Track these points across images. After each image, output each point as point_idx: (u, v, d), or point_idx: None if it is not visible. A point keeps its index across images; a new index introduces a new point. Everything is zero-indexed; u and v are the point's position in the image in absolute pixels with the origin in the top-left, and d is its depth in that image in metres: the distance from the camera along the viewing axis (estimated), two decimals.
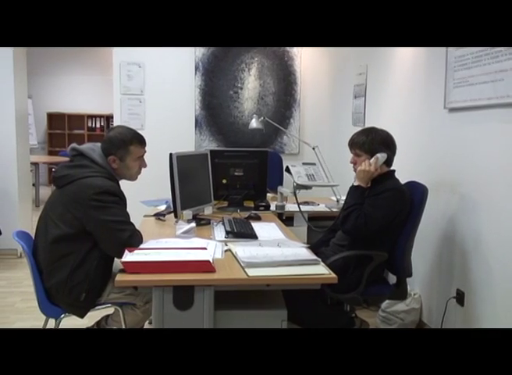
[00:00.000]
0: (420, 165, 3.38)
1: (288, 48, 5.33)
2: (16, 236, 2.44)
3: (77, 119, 9.77)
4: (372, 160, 2.68)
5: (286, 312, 2.12)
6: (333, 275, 2.05)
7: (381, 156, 2.69)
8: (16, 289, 4.17)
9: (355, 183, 2.73)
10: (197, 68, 5.24)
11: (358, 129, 2.91)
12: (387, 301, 3.36)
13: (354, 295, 2.60)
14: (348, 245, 2.69)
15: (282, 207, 3.48)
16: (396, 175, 2.78)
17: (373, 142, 2.71)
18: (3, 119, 4.89)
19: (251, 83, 5.35)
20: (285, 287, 2.16)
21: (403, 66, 3.72)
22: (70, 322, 2.51)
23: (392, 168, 2.79)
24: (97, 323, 2.75)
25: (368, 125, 3.97)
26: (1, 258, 4.82)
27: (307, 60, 5.40)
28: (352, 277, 2.60)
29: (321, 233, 3.08)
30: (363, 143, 2.73)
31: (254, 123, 4.27)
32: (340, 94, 5.14)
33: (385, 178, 2.71)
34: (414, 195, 2.68)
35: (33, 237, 2.50)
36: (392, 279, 2.91)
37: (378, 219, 2.57)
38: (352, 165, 2.83)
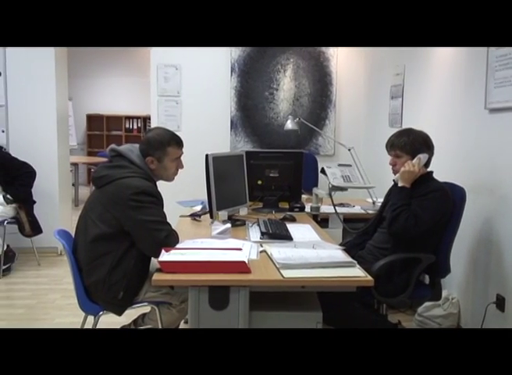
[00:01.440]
0: (457, 166, 3.32)
1: (324, 49, 5.31)
2: (57, 234, 2.50)
3: (115, 121, 9.95)
4: (415, 161, 2.66)
5: (321, 314, 2.11)
6: (369, 278, 2.03)
7: (423, 157, 2.67)
8: (57, 286, 4.28)
9: (399, 184, 2.70)
10: (232, 69, 5.27)
11: (395, 130, 2.88)
12: (423, 305, 3.31)
13: (403, 299, 2.57)
14: (391, 248, 2.66)
15: (317, 208, 3.46)
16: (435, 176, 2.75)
17: (414, 143, 2.69)
18: (45, 121, 5.03)
19: (287, 84, 5.35)
20: (320, 289, 2.15)
21: (443, 66, 3.66)
22: (108, 319, 2.56)
23: (428, 169, 2.75)
24: (134, 321, 2.79)
25: (405, 126, 3.92)
26: (43, 256, 4.94)
27: (343, 61, 5.37)
28: (399, 280, 2.58)
29: (353, 236, 3.06)
30: (404, 144, 2.70)
31: (290, 125, 4.27)
32: (376, 94, 5.09)
33: (426, 179, 2.69)
34: (454, 197, 2.65)
35: (73, 236, 2.56)
36: (426, 280, 2.86)
37: (428, 220, 2.55)
38: (391, 166, 2.80)
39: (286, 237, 2.63)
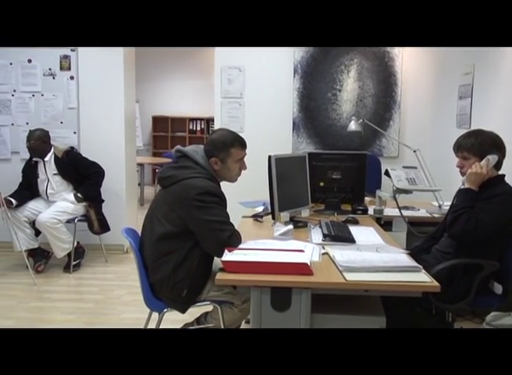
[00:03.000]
0: None
1: (389, 49, 5.22)
2: (125, 232, 2.58)
3: (179, 122, 10.16)
4: (483, 162, 2.55)
5: (384, 318, 2.08)
6: (436, 283, 1.98)
7: (492, 158, 2.55)
8: (123, 282, 4.42)
9: (465, 186, 2.61)
10: (295, 71, 5.27)
11: (463, 131, 2.78)
12: (492, 314, 3.18)
13: (462, 306, 2.48)
14: (453, 253, 2.58)
15: (381, 211, 3.40)
16: (506, 180, 2.63)
17: (483, 144, 2.58)
18: (114, 123, 5.21)
19: (350, 85, 5.29)
20: (384, 294, 2.12)
21: None
22: (172, 316, 2.62)
23: (500, 173, 2.64)
24: (197, 319, 2.84)
25: (474, 127, 3.79)
26: (110, 253, 5.12)
27: (408, 61, 5.25)
28: (459, 286, 2.49)
29: (420, 240, 2.98)
30: (472, 145, 2.60)
31: (353, 126, 4.22)
32: (443, 95, 4.95)
33: (495, 182, 2.57)
34: None
35: (140, 234, 2.64)
36: (497, 288, 2.75)
37: (489, 225, 2.44)
38: (458, 169, 2.71)
39: (349, 239, 2.60)
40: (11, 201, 4.46)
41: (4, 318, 3.62)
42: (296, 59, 5.26)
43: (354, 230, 2.81)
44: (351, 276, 2.02)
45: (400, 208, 3.10)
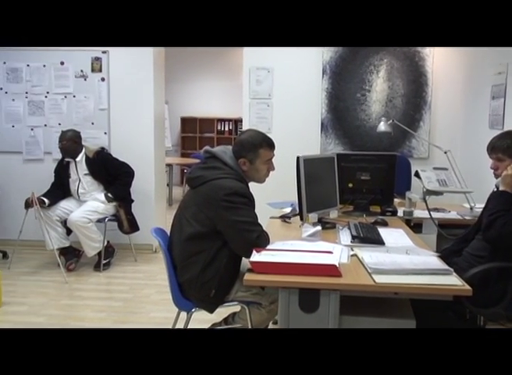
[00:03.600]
0: None
1: (419, 48, 5.15)
2: (154, 232, 2.61)
3: (208, 123, 10.22)
4: None
5: (414, 322, 2.05)
6: (467, 287, 1.94)
7: None
8: (152, 282, 4.47)
9: (500, 189, 2.56)
10: (324, 71, 5.25)
11: (496, 132, 2.73)
12: None
13: (497, 310, 2.43)
14: (488, 256, 2.53)
15: (411, 213, 3.36)
16: None
17: None
18: (143, 124, 5.28)
19: (379, 85, 5.24)
20: (414, 296, 2.09)
21: None
22: (200, 316, 2.64)
23: None
24: (225, 319, 2.85)
25: (507, 128, 3.71)
26: (139, 253, 5.18)
27: (439, 60, 5.17)
28: (494, 291, 2.44)
29: (450, 242, 2.93)
30: (507, 147, 2.55)
31: (383, 126, 4.18)
32: (476, 95, 4.86)
33: None
34: None
35: (169, 234, 2.66)
36: None
37: None
38: (491, 170, 2.66)
39: (378, 241, 2.57)
40: (44, 201, 4.55)
41: (36, 315, 3.70)
42: (325, 60, 5.23)
43: (383, 231, 2.78)
44: (380, 279, 2.00)
45: (429, 210, 3.06)
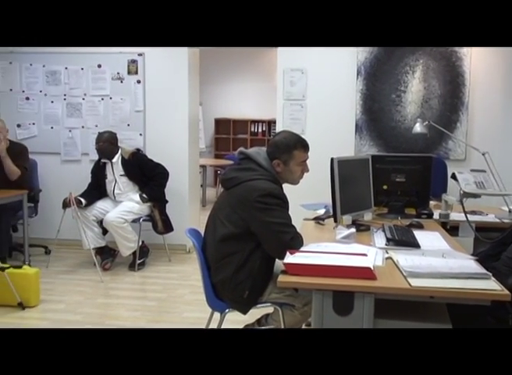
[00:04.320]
0: None
1: (456, 48, 5.05)
2: (188, 233, 2.64)
3: (241, 125, 10.26)
4: None
5: (450, 326, 2.02)
6: (506, 292, 1.90)
7: None
8: (185, 282, 4.51)
9: None
10: (359, 72, 5.20)
11: None
12: None
13: None
14: None
15: (447, 216, 3.30)
16: None
17: None
18: (178, 125, 5.34)
19: (415, 86, 5.17)
20: (450, 301, 2.05)
21: None
22: (233, 317, 2.65)
23: None
24: (258, 320, 2.86)
25: None
26: (173, 253, 5.24)
27: (477, 60, 5.06)
28: None
29: (486, 246, 2.86)
30: None
31: (418, 128, 4.12)
32: None
33: None
34: None
35: (203, 235, 2.68)
36: None
37: None
38: None
39: (413, 244, 2.54)
40: (81, 201, 4.64)
41: (73, 313, 3.78)
42: (359, 60, 5.19)
43: (419, 234, 2.74)
44: (416, 282, 1.97)
45: (466, 213, 3.00)
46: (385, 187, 3.43)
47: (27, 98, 5.51)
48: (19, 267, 3.90)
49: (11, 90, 5.51)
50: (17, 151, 4.86)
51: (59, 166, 5.56)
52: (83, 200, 4.67)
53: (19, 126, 5.52)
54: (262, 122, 10.13)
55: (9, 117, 5.43)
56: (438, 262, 2.14)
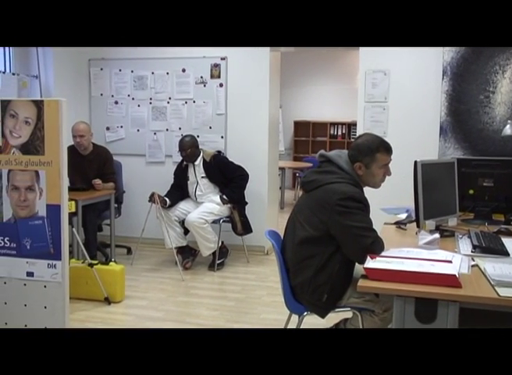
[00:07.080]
0: None
1: None
2: (268, 234, 2.67)
3: (320, 127, 10.21)
4: None
5: None
6: None
7: None
8: (263, 283, 4.55)
9: None
10: (444, 72, 5.02)
11: None
12: None
13: None
14: None
15: None
16: None
17: None
18: (258, 128, 5.40)
19: (505, 86, 4.92)
20: None
21: None
22: (311, 320, 2.65)
23: None
24: (336, 325, 2.84)
25: None
26: (251, 254, 5.30)
27: None
28: None
29: None
30: None
31: (509, 130, 3.93)
32: None
33: None
34: None
35: (282, 237, 2.70)
36: None
37: None
38: None
39: (502, 252, 2.42)
40: (165, 201, 4.80)
41: (155, 310, 3.92)
42: (445, 60, 5.01)
43: (508, 242, 2.61)
44: (505, 292, 1.88)
45: None
46: (471, 191, 3.30)
47: (116, 102, 5.78)
48: (106, 263, 4.10)
49: (101, 95, 5.80)
50: (103, 158, 5.02)
51: (144, 167, 5.78)
52: (167, 200, 4.82)
53: (108, 129, 5.80)
54: (342, 124, 10.04)
55: (100, 121, 5.73)
56: None
